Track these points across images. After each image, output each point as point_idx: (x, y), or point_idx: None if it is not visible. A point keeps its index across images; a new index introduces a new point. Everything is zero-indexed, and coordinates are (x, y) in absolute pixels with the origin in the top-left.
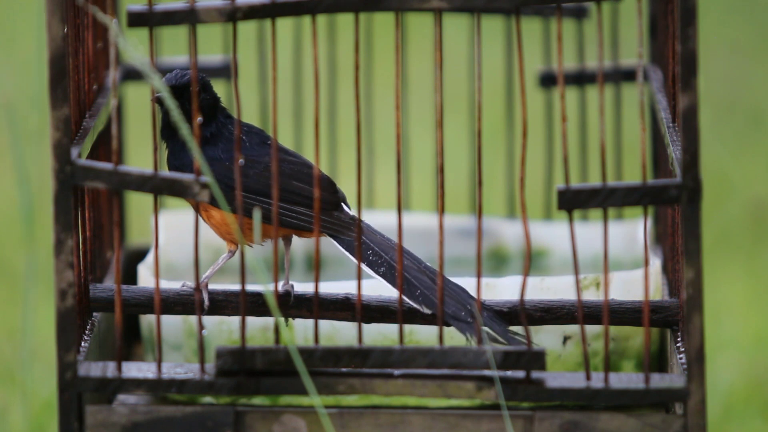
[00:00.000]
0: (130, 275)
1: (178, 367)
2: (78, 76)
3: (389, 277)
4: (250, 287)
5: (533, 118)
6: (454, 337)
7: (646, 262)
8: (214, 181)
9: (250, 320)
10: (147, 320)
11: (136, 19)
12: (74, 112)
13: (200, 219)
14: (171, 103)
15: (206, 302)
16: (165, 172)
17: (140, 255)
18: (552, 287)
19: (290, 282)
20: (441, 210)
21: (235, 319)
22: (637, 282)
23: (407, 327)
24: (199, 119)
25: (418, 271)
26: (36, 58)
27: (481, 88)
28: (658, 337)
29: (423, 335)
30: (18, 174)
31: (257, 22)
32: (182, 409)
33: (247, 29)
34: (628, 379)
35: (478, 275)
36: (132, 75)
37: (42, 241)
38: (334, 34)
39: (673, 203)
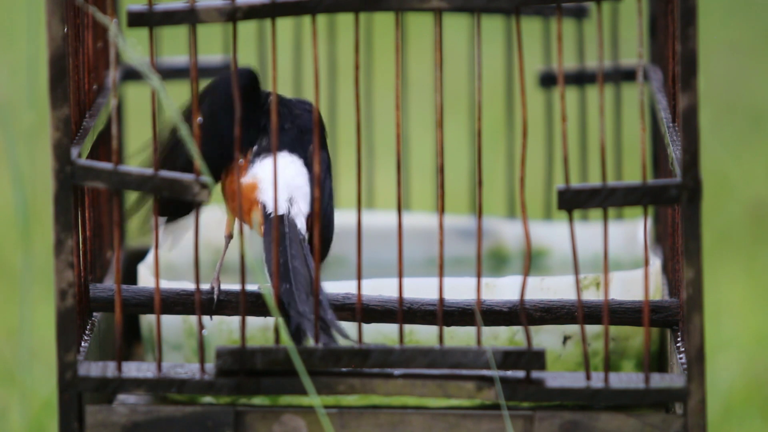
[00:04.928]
0: (130, 275)
1: (178, 367)
2: (78, 76)
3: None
4: (250, 287)
5: (533, 118)
6: (454, 337)
7: (646, 262)
8: None
9: (250, 320)
10: (147, 320)
11: (136, 19)
12: (74, 112)
13: (199, 218)
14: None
15: (215, 295)
16: (165, 172)
17: (140, 255)
18: (552, 287)
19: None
20: (441, 210)
21: (235, 319)
22: (637, 282)
23: (407, 327)
24: (199, 119)
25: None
26: (28, 57)
27: (481, 88)
28: (658, 337)
29: (423, 335)
30: (13, 174)
31: (257, 22)
32: (182, 409)
33: (247, 29)
34: (628, 379)
35: (478, 275)
36: (132, 75)
37: (41, 240)
38: (334, 34)
39: (673, 203)
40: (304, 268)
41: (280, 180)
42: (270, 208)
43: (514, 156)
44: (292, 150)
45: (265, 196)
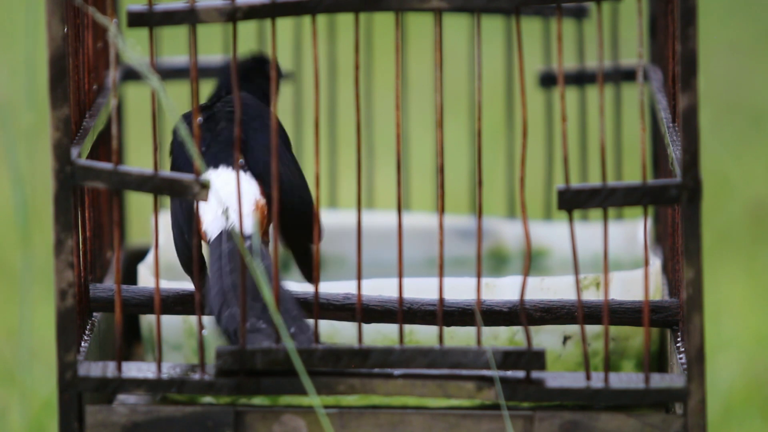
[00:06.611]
0: (130, 275)
1: (178, 367)
2: (78, 76)
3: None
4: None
5: (533, 118)
6: (454, 337)
7: (646, 262)
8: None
9: None
10: (147, 320)
11: (136, 19)
12: (74, 112)
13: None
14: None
15: None
16: (165, 172)
17: (140, 255)
18: (552, 287)
19: None
20: (441, 210)
21: None
22: (637, 282)
23: (407, 327)
24: (198, 119)
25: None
26: (28, 57)
27: (481, 88)
28: (658, 337)
29: (423, 335)
30: (13, 174)
31: (257, 22)
32: (182, 409)
33: (247, 29)
34: (628, 379)
35: (478, 275)
36: (132, 75)
37: (41, 240)
38: (334, 34)
39: (673, 203)
40: (251, 277)
41: (211, 198)
42: (210, 234)
43: (514, 156)
44: (220, 161)
45: (204, 221)
